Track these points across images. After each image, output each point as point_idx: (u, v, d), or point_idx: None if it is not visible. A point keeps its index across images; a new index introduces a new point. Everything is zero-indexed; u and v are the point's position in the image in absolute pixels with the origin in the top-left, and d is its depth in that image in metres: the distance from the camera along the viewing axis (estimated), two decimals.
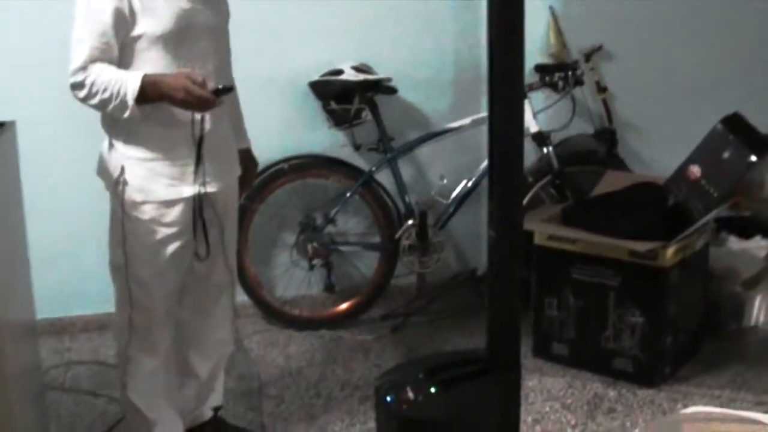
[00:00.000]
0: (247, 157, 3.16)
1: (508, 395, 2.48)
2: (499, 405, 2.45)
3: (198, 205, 2.80)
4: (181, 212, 2.78)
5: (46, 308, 3.88)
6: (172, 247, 2.81)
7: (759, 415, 2.23)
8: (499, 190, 2.41)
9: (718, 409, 2.43)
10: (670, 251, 3.61)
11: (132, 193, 2.74)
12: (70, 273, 4.27)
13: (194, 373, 3.17)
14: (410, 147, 4.41)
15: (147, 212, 2.75)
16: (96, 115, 2.78)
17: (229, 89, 2.74)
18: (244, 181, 3.15)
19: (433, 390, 2.41)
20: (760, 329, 4.24)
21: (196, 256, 2.89)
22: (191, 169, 2.76)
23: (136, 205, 2.75)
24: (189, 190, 2.77)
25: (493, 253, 2.46)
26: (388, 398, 2.42)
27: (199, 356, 3.16)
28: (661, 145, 4.48)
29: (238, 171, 3.05)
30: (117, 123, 2.70)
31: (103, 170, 2.82)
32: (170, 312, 2.95)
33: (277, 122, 4.32)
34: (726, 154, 3.72)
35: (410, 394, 2.40)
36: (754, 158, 3.64)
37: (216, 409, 3.28)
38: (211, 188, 2.82)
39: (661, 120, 4.63)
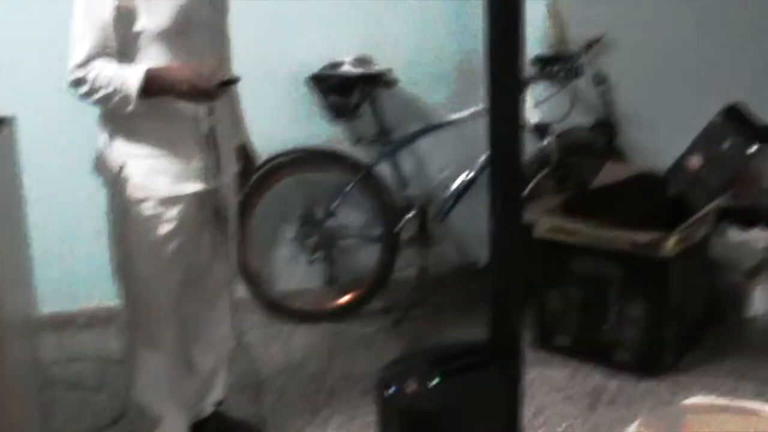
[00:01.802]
0: (245, 152, 3.15)
1: (509, 387, 2.48)
2: (501, 396, 2.46)
3: (206, 200, 2.79)
4: (182, 209, 2.77)
5: (48, 302, 3.90)
6: (173, 245, 2.79)
7: (760, 405, 2.24)
8: (500, 182, 2.42)
9: (719, 400, 2.43)
10: (672, 242, 3.61)
11: (133, 191, 2.72)
12: (72, 267, 4.27)
13: (196, 368, 3.17)
14: (410, 139, 4.39)
15: (148, 209, 2.73)
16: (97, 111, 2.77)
17: (235, 80, 2.74)
18: (243, 177, 3.13)
19: (434, 382, 2.41)
20: (760, 320, 4.24)
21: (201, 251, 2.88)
22: (194, 165, 2.75)
23: (137, 202, 2.73)
24: (191, 186, 2.76)
25: (494, 245, 2.46)
26: (390, 390, 2.42)
27: (201, 351, 3.16)
28: (663, 136, 4.45)
29: (235, 167, 3.04)
30: (118, 119, 2.69)
31: (101, 166, 2.80)
32: (174, 308, 2.94)
33: (277, 115, 4.31)
34: (726, 145, 3.73)
35: (412, 386, 2.40)
36: (753, 149, 3.65)
37: (217, 404, 3.29)
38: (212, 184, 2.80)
39: (662, 111, 4.61)
